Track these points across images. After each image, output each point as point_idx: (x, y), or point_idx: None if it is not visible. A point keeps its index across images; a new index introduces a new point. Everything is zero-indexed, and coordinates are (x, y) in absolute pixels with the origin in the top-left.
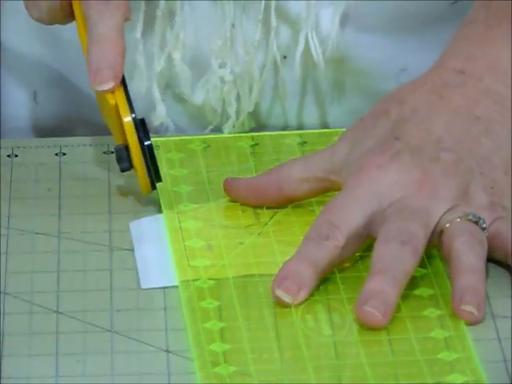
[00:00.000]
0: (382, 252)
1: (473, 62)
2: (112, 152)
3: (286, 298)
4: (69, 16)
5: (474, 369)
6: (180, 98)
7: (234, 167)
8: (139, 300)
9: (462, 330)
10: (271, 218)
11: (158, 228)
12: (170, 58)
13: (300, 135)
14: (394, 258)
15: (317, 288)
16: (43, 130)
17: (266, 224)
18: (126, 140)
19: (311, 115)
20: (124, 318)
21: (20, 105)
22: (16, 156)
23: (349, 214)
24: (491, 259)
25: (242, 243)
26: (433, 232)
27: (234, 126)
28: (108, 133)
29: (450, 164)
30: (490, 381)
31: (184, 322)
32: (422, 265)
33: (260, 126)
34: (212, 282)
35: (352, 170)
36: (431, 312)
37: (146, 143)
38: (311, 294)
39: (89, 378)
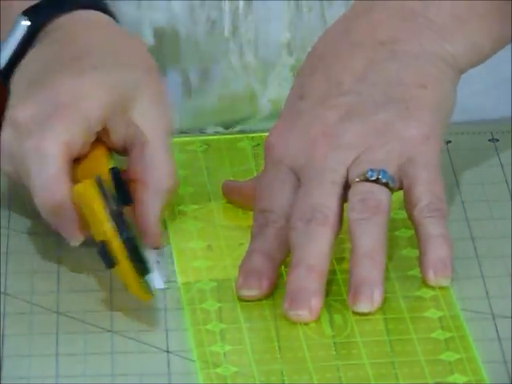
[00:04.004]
0: (293, 241)
1: None
2: None
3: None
4: None
5: (475, 369)
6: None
7: (234, 168)
8: (139, 300)
9: (464, 330)
10: None
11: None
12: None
13: None
14: (306, 241)
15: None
16: None
17: None
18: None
19: None
20: (124, 318)
21: None
22: None
23: (276, 198)
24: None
25: (242, 244)
26: (345, 187)
27: None
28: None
29: (351, 107)
30: (490, 381)
31: (184, 323)
32: None
33: None
34: (213, 284)
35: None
36: (432, 313)
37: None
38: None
39: (89, 379)
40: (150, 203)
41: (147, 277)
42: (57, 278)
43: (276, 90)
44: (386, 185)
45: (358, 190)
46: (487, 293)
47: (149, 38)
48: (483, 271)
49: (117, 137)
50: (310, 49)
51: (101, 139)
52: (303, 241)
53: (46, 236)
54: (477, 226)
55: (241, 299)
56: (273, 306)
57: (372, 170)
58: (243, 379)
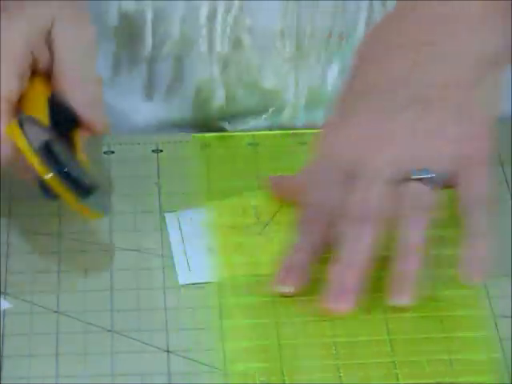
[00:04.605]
0: (339, 237)
1: None
2: (112, 152)
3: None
4: None
5: (496, 370)
6: (247, 84)
7: (277, 164)
8: (139, 300)
9: (491, 330)
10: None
11: (195, 223)
12: (237, 43)
13: None
14: (351, 239)
15: None
16: None
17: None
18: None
19: None
20: (124, 318)
21: None
22: None
23: (325, 194)
24: None
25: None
26: (394, 185)
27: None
28: (108, 133)
29: (402, 108)
30: (490, 381)
31: (185, 323)
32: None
33: None
34: (250, 279)
35: None
36: (461, 312)
37: (47, 176)
38: None
39: (89, 378)
40: (70, 93)
41: (94, 198)
42: (57, 278)
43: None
44: (432, 184)
45: (405, 190)
46: (488, 293)
47: (113, 20)
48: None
49: (46, 63)
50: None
51: (37, 72)
52: (349, 238)
53: (46, 236)
54: None
55: (276, 294)
56: (307, 301)
57: (419, 170)
58: (268, 376)
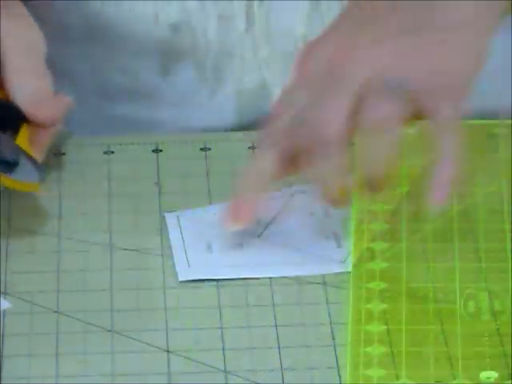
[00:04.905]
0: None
1: None
2: (112, 152)
3: None
4: None
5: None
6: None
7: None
8: (139, 300)
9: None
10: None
11: (195, 223)
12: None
13: None
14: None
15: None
16: None
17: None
18: None
19: None
20: (124, 318)
21: None
22: None
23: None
24: None
25: (418, 230)
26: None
27: None
28: (108, 133)
29: (384, 31)
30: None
31: (185, 323)
32: None
33: None
34: (384, 265)
35: None
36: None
37: None
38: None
39: (89, 378)
40: (14, 89)
41: (22, 171)
42: (57, 278)
43: None
44: (401, 97)
45: (374, 97)
46: (489, 291)
47: (165, 33)
48: (483, 268)
49: None
50: None
51: None
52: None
53: (46, 236)
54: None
55: (407, 281)
56: (434, 289)
57: (389, 79)
58: (390, 359)
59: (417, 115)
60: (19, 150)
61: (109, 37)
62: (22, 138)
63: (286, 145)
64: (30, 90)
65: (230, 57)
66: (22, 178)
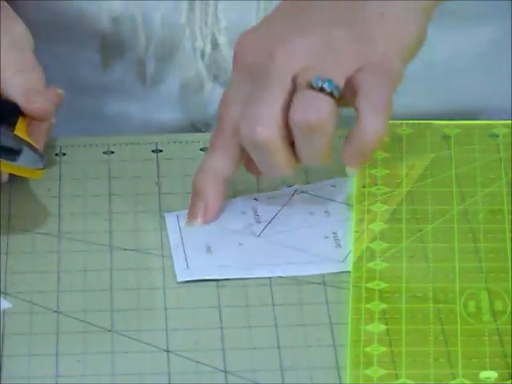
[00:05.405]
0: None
1: None
2: (112, 152)
3: None
4: None
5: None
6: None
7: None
8: (139, 300)
9: None
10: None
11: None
12: (215, 43)
13: None
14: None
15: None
16: None
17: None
18: None
19: None
20: (124, 318)
21: None
22: None
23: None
24: None
25: (420, 231)
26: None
27: None
28: (108, 133)
29: (308, 23)
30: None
31: (185, 323)
32: None
33: None
34: (384, 265)
35: None
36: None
37: None
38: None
39: (89, 378)
40: (7, 83)
41: (25, 157)
42: (57, 277)
43: None
44: (330, 94)
45: (302, 98)
46: (488, 292)
47: (106, 26)
48: (483, 268)
49: None
50: None
51: None
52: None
53: (46, 236)
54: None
55: (407, 281)
56: (434, 289)
57: (318, 78)
58: (390, 359)
59: (347, 102)
60: (20, 139)
61: (66, 31)
62: (20, 130)
63: (234, 143)
64: (21, 83)
65: (171, 49)
66: (27, 165)
